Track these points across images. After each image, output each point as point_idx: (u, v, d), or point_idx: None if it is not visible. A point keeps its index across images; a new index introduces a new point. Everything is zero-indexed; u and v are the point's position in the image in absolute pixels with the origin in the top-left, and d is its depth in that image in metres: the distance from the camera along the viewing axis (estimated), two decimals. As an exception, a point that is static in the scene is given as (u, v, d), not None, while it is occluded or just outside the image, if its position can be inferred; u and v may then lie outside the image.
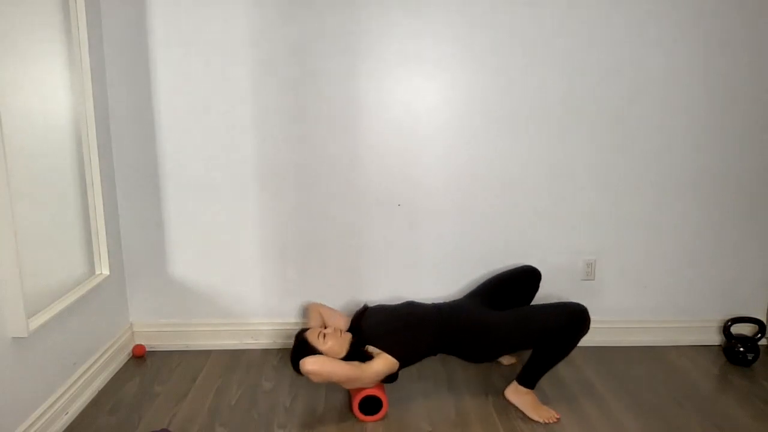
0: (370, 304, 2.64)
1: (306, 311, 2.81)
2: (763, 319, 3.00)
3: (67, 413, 2.34)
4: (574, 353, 2.91)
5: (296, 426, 2.33)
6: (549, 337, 2.31)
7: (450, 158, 2.86)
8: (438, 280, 2.97)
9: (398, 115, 2.82)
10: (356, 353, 2.34)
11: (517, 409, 2.42)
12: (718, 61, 2.80)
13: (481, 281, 2.94)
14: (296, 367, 2.34)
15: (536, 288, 2.77)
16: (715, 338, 3.05)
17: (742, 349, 2.84)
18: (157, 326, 2.97)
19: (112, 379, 2.70)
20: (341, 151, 2.84)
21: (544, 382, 2.65)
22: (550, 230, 2.95)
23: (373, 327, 2.43)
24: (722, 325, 2.97)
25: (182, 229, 2.88)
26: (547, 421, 2.34)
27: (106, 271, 2.66)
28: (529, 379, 2.40)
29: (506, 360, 2.81)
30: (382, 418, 2.36)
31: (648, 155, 2.88)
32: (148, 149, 2.80)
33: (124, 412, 2.42)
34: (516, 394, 2.41)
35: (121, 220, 2.86)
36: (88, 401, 2.49)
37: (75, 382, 2.42)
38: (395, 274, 2.97)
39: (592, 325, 3.00)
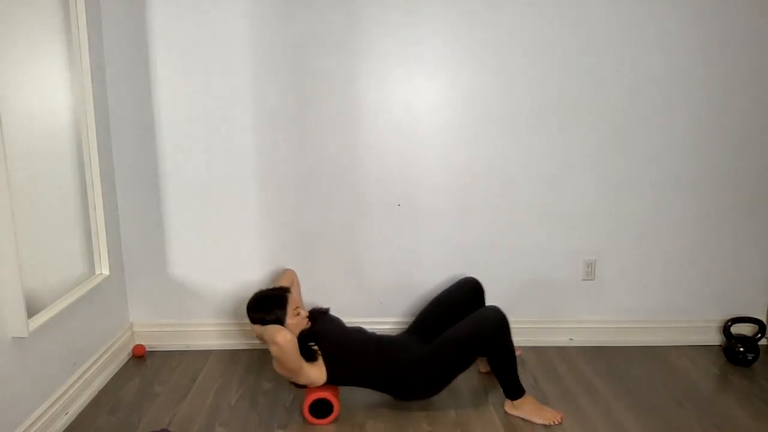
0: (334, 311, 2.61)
1: (281, 275, 2.74)
2: (763, 319, 3.00)
3: (67, 413, 2.34)
4: (574, 353, 2.93)
5: (296, 426, 2.33)
6: (480, 351, 2.34)
7: (450, 158, 2.86)
8: (438, 279, 2.97)
9: (398, 115, 2.82)
10: (303, 344, 2.30)
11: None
12: (718, 62, 2.80)
13: (482, 282, 2.94)
14: (263, 311, 2.34)
15: (482, 298, 2.69)
16: (715, 338, 3.05)
17: (742, 349, 2.84)
18: (157, 326, 2.97)
19: (112, 379, 2.70)
20: (341, 151, 2.84)
21: (545, 382, 2.66)
22: (550, 230, 2.95)
23: (324, 332, 2.40)
24: (722, 325, 2.97)
25: (182, 229, 2.88)
26: (552, 423, 2.34)
27: (106, 271, 2.66)
28: (510, 389, 2.38)
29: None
30: (334, 421, 2.35)
31: (648, 155, 2.88)
32: (148, 149, 2.80)
33: (124, 412, 2.42)
34: (514, 407, 2.40)
35: (121, 220, 2.86)
36: (88, 401, 2.49)
37: (75, 382, 2.42)
38: (395, 273, 2.97)
39: (592, 325, 3.02)
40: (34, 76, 2.18)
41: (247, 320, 2.96)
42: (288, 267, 2.88)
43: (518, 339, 2.89)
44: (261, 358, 2.90)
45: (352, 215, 2.90)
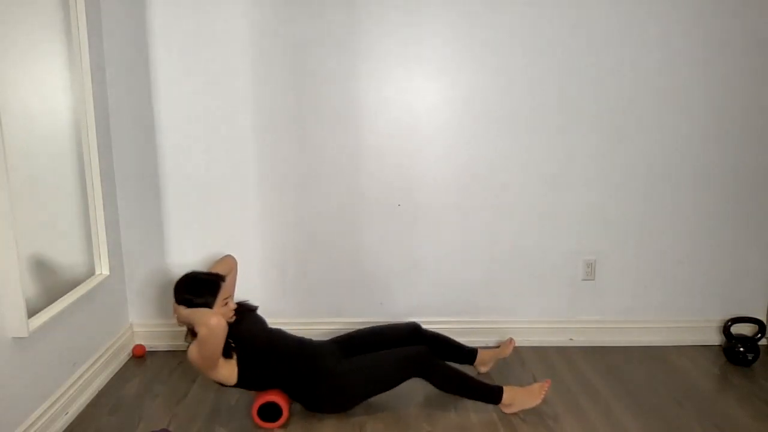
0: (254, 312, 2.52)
1: (220, 260, 2.62)
2: (763, 319, 2.99)
3: (67, 413, 2.34)
4: (574, 353, 2.93)
5: (296, 426, 2.33)
6: (393, 382, 2.35)
7: (450, 158, 2.86)
8: (438, 279, 2.97)
9: (398, 115, 2.82)
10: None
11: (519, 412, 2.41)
12: (718, 62, 2.80)
13: (482, 282, 2.95)
14: (192, 293, 2.24)
15: (419, 343, 2.57)
16: (715, 338, 3.05)
17: (742, 349, 2.84)
18: (157, 326, 2.97)
19: (112, 379, 2.70)
20: (341, 151, 2.84)
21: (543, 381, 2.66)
22: (550, 230, 2.95)
23: (247, 332, 2.33)
24: (722, 325, 2.97)
25: (182, 229, 2.88)
26: (544, 393, 2.36)
27: (106, 271, 2.66)
28: (489, 398, 2.38)
29: (482, 368, 2.72)
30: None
31: (648, 155, 2.88)
32: (148, 149, 2.80)
33: (124, 412, 2.42)
34: (506, 406, 2.39)
35: (121, 220, 2.86)
36: (88, 401, 2.49)
37: (75, 382, 2.42)
38: (395, 273, 2.97)
39: (592, 325, 3.02)
40: (34, 76, 2.18)
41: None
42: (229, 254, 2.72)
43: (518, 339, 2.91)
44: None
45: (352, 215, 2.90)
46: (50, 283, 2.29)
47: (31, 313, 2.10)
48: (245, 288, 2.94)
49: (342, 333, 2.61)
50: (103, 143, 2.67)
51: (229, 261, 2.60)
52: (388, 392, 2.48)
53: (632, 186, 2.91)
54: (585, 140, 2.86)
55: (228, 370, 2.22)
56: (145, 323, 2.97)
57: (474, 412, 2.43)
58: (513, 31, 2.75)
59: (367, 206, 2.90)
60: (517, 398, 2.37)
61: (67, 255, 2.44)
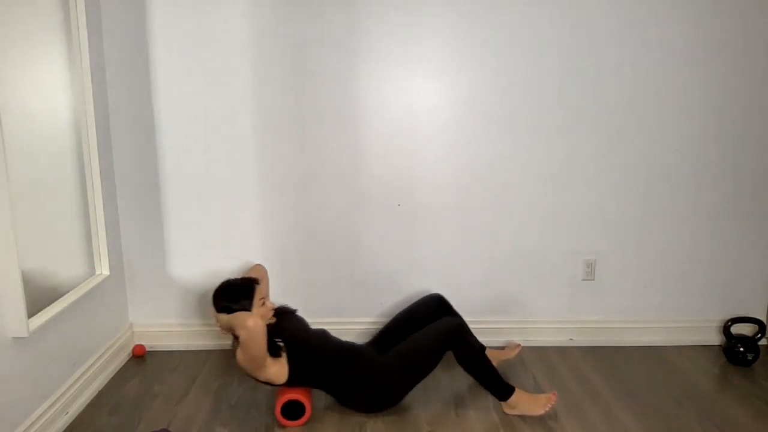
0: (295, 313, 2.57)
1: (251, 268, 2.73)
2: (763, 319, 3.00)
3: (67, 413, 2.34)
4: (574, 353, 2.93)
5: (296, 426, 2.33)
6: (433, 360, 2.34)
7: (450, 158, 2.86)
8: (438, 279, 2.97)
9: (398, 115, 2.82)
10: (269, 339, 2.27)
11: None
12: (718, 62, 2.80)
13: (482, 282, 2.95)
14: (229, 299, 2.32)
15: (448, 313, 2.66)
16: (715, 338, 3.05)
17: (742, 349, 2.84)
18: (157, 326, 2.97)
19: (112, 379, 2.70)
20: (341, 151, 2.84)
21: (545, 382, 2.66)
22: (550, 230, 2.95)
23: (290, 330, 2.39)
24: (722, 325, 2.97)
25: (182, 229, 2.88)
26: (549, 406, 2.35)
27: (106, 271, 2.66)
28: (498, 392, 2.38)
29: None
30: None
31: (648, 155, 2.88)
32: (148, 149, 2.80)
33: (124, 412, 2.42)
34: (509, 407, 2.39)
35: (121, 220, 2.86)
36: (88, 401, 2.49)
37: (75, 382, 2.42)
38: (395, 273, 2.97)
39: (592, 325, 3.02)
40: (34, 76, 2.18)
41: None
42: (258, 262, 2.86)
43: (518, 339, 2.91)
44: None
45: (352, 215, 2.90)
46: (50, 283, 2.29)
47: (31, 313, 2.09)
48: (245, 288, 2.95)
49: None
50: (103, 143, 2.67)
51: (259, 268, 2.72)
52: (388, 392, 2.50)
53: (632, 186, 2.91)
54: (585, 140, 2.86)
55: (277, 369, 2.28)
56: (145, 323, 2.97)
57: (474, 412, 2.43)
58: (513, 31, 2.75)
59: (367, 206, 2.90)
60: (522, 403, 2.37)
61: (67, 255, 2.44)
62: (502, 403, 2.40)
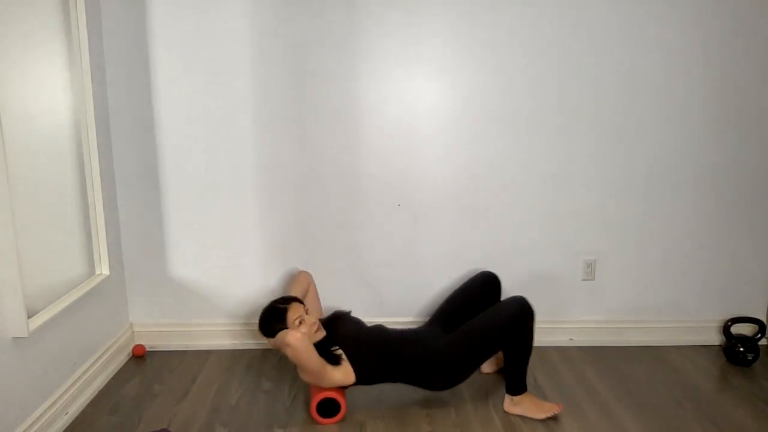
0: (350, 310, 2.63)
1: (294, 277, 2.76)
2: (763, 319, 3.00)
3: (67, 413, 2.34)
4: (574, 353, 2.93)
5: (296, 426, 2.33)
6: (502, 338, 2.33)
7: (450, 158, 2.86)
8: (438, 279, 2.97)
9: (398, 115, 2.82)
10: (324, 351, 2.33)
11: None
12: (718, 62, 2.80)
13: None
14: (266, 329, 2.42)
15: (498, 291, 2.71)
16: (715, 338, 3.05)
17: (742, 349, 2.84)
18: (157, 326, 2.97)
19: (112, 379, 2.70)
20: (341, 150, 2.84)
21: (545, 382, 2.66)
22: (550, 230, 2.95)
23: (347, 334, 2.43)
24: (722, 325, 2.97)
25: (182, 229, 2.88)
26: (552, 414, 2.35)
27: (106, 271, 2.66)
28: (514, 385, 2.39)
29: (486, 368, 2.75)
30: (341, 421, 2.35)
31: (648, 155, 2.88)
32: (148, 149, 2.80)
33: (124, 412, 2.42)
34: (513, 405, 2.40)
35: (121, 220, 2.86)
36: (88, 401, 2.49)
37: (75, 382, 2.42)
38: (395, 274, 2.97)
39: (592, 326, 3.02)
40: (34, 76, 2.18)
41: (247, 320, 2.99)
42: (301, 269, 2.89)
43: (518, 339, 2.90)
44: (261, 358, 2.90)
45: (352, 215, 2.90)
46: (50, 283, 2.29)
47: (31, 313, 2.09)
48: (245, 288, 2.95)
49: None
50: (103, 143, 2.66)
51: (302, 277, 2.74)
52: (387, 392, 2.50)
53: (632, 186, 2.91)
54: (585, 140, 2.86)
55: (342, 374, 2.34)
56: (145, 323, 2.97)
57: (474, 411, 2.43)
58: (513, 32, 2.75)
59: (367, 206, 2.90)
60: (526, 403, 2.39)
61: (67, 255, 2.43)
62: (506, 397, 2.41)
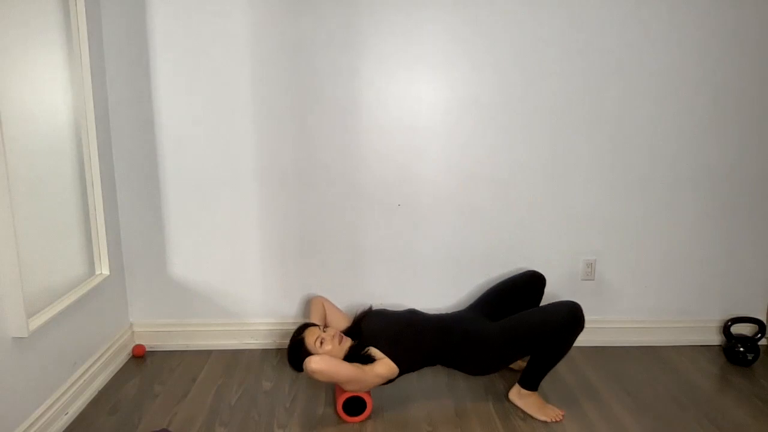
0: (374, 306, 2.64)
1: (309, 304, 2.81)
2: (763, 319, 3.00)
3: (67, 413, 2.34)
4: (574, 353, 2.93)
5: (296, 426, 2.33)
6: (549, 338, 2.31)
7: (450, 158, 2.86)
8: (438, 279, 2.97)
9: (398, 115, 2.82)
10: (357, 356, 2.34)
11: (518, 409, 2.42)
12: (719, 62, 2.80)
13: (481, 283, 2.95)
14: (294, 365, 2.40)
15: (541, 293, 2.71)
16: (715, 338, 3.05)
17: (742, 349, 2.84)
18: (157, 326, 2.97)
19: (112, 379, 2.70)
20: (341, 150, 2.84)
21: (545, 382, 2.65)
22: (550, 230, 2.95)
23: (375, 330, 2.43)
24: (722, 325, 2.97)
25: (182, 229, 2.88)
26: (553, 420, 2.35)
27: (106, 271, 2.66)
28: (531, 381, 2.40)
29: (517, 365, 2.75)
30: (367, 418, 2.36)
31: (648, 155, 2.88)
32: (148, 149, 2.80)
33: (124, 412, 2.42)
34: (520, 396, 2.41)
35: (121, 220, 2.86)
36: (88, 401, 2.49)
37: (75, 382, 2.42)
38: (395, 274, 2.97)
39: (592, 326, 3.02)
40: (34, 75, 2.18)
41: (247, 320, 2.99)
42: (314, 295, 2.90)
43: (518, 339, 2.90)
44: (261, 358, 2.90)
45: (352, 215, 2.90)
46: (50, 283, 2.29)
47: (31, 313, 2.09)
48: (245, 288, 2.95)
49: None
50: (103, 143, 2.66)
51: (316, 302, 2.75)
52: (387, 392, 2.49)
53: (632, 186, 2.91)
54: (585, 140, 2.86)
55: (383, 369, 2.34)
56: (145, 323, 2.97)
57: (474, 411, 2.43)
58: (514, 32, 2.75)
59: (367, 206, 2.90)
60: (531, 400, 2.40)
61: (67, 255, 2.43)
62: (516, 387, 2.43)
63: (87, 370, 2.51)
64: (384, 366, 2.33)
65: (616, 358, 2.90)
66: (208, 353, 2.94)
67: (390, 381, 2.40)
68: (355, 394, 2.33)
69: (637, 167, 2.89)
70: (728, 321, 2.94)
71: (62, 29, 2.38)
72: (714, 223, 2.96)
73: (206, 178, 2.84)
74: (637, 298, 3.03)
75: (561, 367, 2.80)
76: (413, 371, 2.44)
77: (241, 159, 2.82)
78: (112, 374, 2.72)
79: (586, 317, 3.00)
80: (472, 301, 2.86)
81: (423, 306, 2.97)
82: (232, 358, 2.90)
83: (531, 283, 2.71)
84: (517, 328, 2.38)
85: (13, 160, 1.98)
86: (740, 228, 2.97)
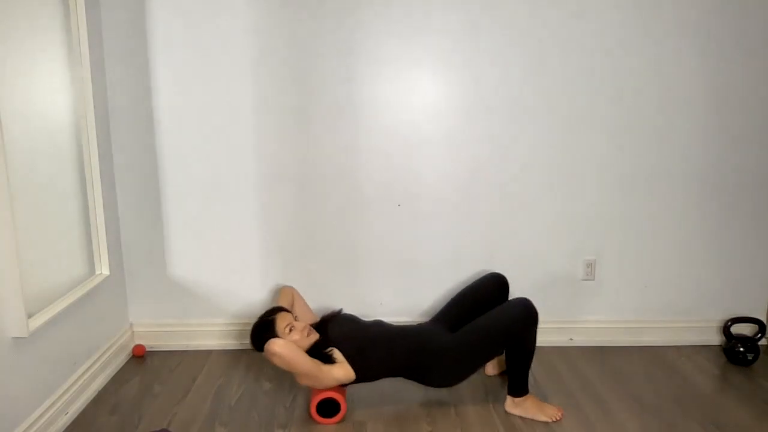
0: (345, 311, 2.62)
1: (278, 293, 2.75)
2: (763, 319, 3.00)
3: (67, 413, 2.34)
4: (574, 353, 2.93)
5: (296, 426, 2.33)
6: (506, 340, 2.33)
7: (450, 159, 2.86)
8: (438, 279, 2.97)
9: (399, 115, 2.82)
10: (319, 353, 2.33)
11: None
12: (719, 62, 2.80)
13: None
14: (257, 342, 2.38)
15: (506, 295, 2.69)
16: (715, 338, 3.05)
17: (742, 349, 2.84)
18: (157, 326, 2.97)
19: (112, 379, 2.70)
20: (341, 151, 2.84)
21: (545, 382, 2.66)
22: (550, 230, 2.95)
23: (340, 334, 2.42)
24: (722, 325, 2.97)
25: (182, 229, 2.88)
26: (553, 419, 2.35)
27: (106, 271, 2.66)
28: (516, 386, 2.39)
29: (490, 370, 2.75)
30: (341, 421, 2.35)
31: (648, 155, 2.88)
32: (148, 149, 2.80)
33: (124, 412, 2.42)
34: (515, 405, 2.40)
35: (121, 220, 2.86)
36: (88, 401, 2.49)
37: (75, 382, 2.42)
38: (395, 274, 2.97)
39: (592, 326, 3.02)
40: (34, 76, 2.18)
41: (247, 320, 2.98)
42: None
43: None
44: (261, 358, 2.89)
45: (352, 215, 2.90)
46: (50, 283, 2.29)
47: (31, 313, 2.09)
48: (245, 288, 2.95)
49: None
50: (103, 143, 2.66)
51: (287, 291, 2.72)
52: (387, 392, 2.49)
53: (632, 186, 2.91)
54: (585, 140, 2.86)
55: (340, 372, 2.33)
56: (145, 323, 2.97)
57: (474, 411, 2.43)
58: (514, 33, 2.75)
59: (367, 206, 2.90)
60: (527, 405, 2.39)
61: (67, 255, 2.43)
62: (508, 398, 2.41)
63: (87, 370, 2.51)
64: (341, 370, 2.32)
65: (616, 358, 2.90)
66: (208, 353, 2.94)
67: (345, 385, 2.40)
68: (330, 395, 2.32)
69: (638, 167, 2.89)
70: (728, 321, 2.93)
71: (62, 29, 2.38)
72: (714, 223, 2.96)
73: (206, 177, 2.84)
74: (637, 298, 3.03)
75: (561, 366, 2.81)
76: (371, 381, 2.42)
77: (241, 159, 2.82)
78: (112, 374, 2.72)
79: (587, 317, 3.03)
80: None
81: (423, 306, 2.98)
82: (232, 358, 2.90)
83: (492, 286, 2.68)
84: (473, 335, 2.38)
85: (13, 160, 1.98)
86: (740, 228, 2.97)
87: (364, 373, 2.37)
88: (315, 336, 2.40)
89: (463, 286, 2.96)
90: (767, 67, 2.81)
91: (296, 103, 2.79)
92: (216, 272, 2.93)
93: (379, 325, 2.53)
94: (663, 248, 2.98)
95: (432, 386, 2.46)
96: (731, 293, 3.03)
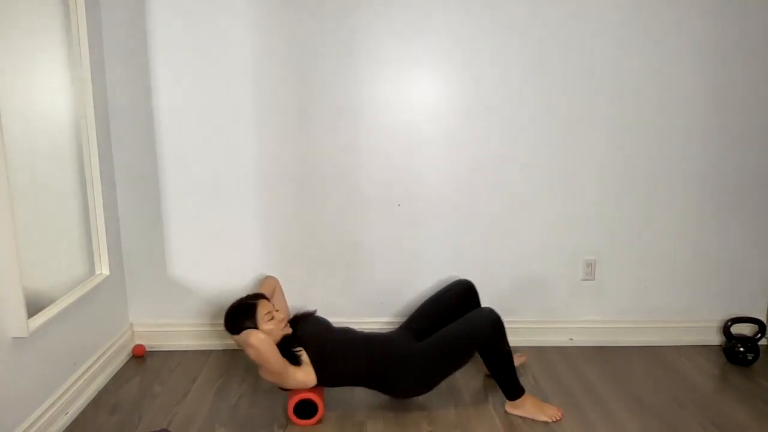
0: (319, 314, 2.59)
1: (262, 282, 2.72)
2: (763, 319, 3.00)
3: (67, 413, 2.34)
4: (574, 353, 2.93)
5: (296, 426, 2.33)
6: (473, 350, 2.33)
7: (450, 159, 2.86)
8: (438, 279, 2.97)
9: (399, 115, 2.82)
10: (287, 348, 2.30)
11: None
12: (719, 62, 2.80)
13: (479, 281, 2.95)
14: (232, 324, 2.32)
15: (475, 300, 2.67)
16: (715, 338, 3.05)
17: (742, 349, 2.84)
18: (157, 326, 2.97)
19: (112, 379, 2.70)
20: (341, 151, 2.84)
21: (545, 382, 2.66)
22: (550, 230, 2.95)
23: (309, 335, 2.39)
24: (722, 325, 2.97)
25: (182, 229, 2.88)
26: (553, 419, 2.35)
27: (106, 271, 2.66)
28: (509, 391, 2.38)
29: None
30: (319, 422, 2.34)
31: (648, 155, 2.88)
32: (148, 149, 2.80)
33: (124, 412, 2.42)
34: (514, 407, 2.40)
35: (121, 220, 2.86)
36: (88, 401, 2.49)
37: (75, 382, 2.42)
38: (395, 273, 2.97)
39: (592, 326, 3.02)
40: (34, 76, 2.18)
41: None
42: (271, 273, 2.89)
43: (518, 339, 2.91)
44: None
45: (352, 215, 2.90)
46: (50, 283, 2.29)
47: (31, 313, 2.09)
48: (245, 289, 2.95)
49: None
50: (103, 143, 2.67)
51: (270, 281, 2.70)
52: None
53: (632, 186, 2.91)
54: (585, 140, 2.86)
55: (303, 375, 2.30)
56: (145, 323, 2.97)
57: (474, 411, 2.43)
58: (514, 33, 2.75)
59: (367, 206, 2.90)
60: (527, 406, 2.38)
61: (67, 255, 2.43)
62: (506, 402, 2.41)
63: (87, 370, 2.51)
64: (304, 374, 2.30)
65: (616, 358, 2.90)
66: (208, 353, 2.94)
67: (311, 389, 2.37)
68: (307, 396, 2.31)
69: (638, 167, 2.89)
70: (728, 321, 2.93)
71: (62, 29, 2.38)
72: (714, 223, 2.96)
73: (206, 177, 2.84)
74: (637, 298, 3.03)
75: (561, 366, 2.81)
76: (332, 386, 2.40)
77: (241, 159, 2.82)
78: (112, 374, 2.72)
79: (587, 317, 3.03)
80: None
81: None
82: (232, 358, 2.90)
83: (460, 293, 2.67)
84: (441, 345, 2.37)
85: (13, 160, 1.98)
86: (740, 228, 2.97)
87: (326, 379, 2.34)
88: (288, 330, 2.38)
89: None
90: (767, 67, 2.81)
91: (296, 103, 2.79)
92: (216, 272, 2.93)
93: (346, 331, 2.50)
94: (663, 248, 2.98)
95: (397, 396, 2.44)
96: (731, 293, 3.03)
